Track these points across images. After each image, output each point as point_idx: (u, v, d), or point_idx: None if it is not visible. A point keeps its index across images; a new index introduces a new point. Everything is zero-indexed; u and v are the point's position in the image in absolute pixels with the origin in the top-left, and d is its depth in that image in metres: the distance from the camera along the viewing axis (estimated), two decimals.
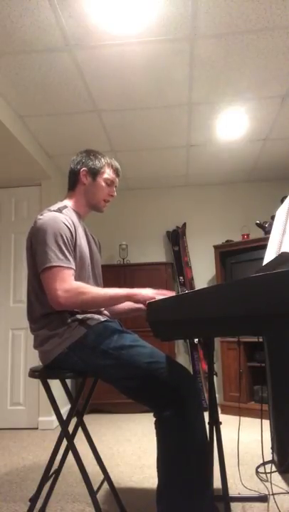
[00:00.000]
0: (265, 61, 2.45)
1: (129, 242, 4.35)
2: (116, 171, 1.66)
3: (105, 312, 1.61)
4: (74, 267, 1.45)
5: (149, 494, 1.89)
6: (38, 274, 1.44)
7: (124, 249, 4.26)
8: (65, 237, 1.43)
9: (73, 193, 1.65)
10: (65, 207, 1.56)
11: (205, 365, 3.91)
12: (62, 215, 1.49)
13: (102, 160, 1.64)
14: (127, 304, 1.64)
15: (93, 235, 1.73)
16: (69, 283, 1.39)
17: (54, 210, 1.50)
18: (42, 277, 1.42)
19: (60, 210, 1.51)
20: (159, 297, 1.38)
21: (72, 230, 1.49)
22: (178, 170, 4.08)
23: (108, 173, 1.64)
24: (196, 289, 1.21)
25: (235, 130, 3.27)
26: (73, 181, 1.65)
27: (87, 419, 3.40)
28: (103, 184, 1.62)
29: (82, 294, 1.38)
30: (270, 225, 3.38)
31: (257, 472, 2.10)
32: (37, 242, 1.44)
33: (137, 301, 1.42)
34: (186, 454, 1.23)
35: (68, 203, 1.62)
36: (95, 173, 1.62)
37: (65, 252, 1.42)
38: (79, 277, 1.49)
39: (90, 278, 1.58)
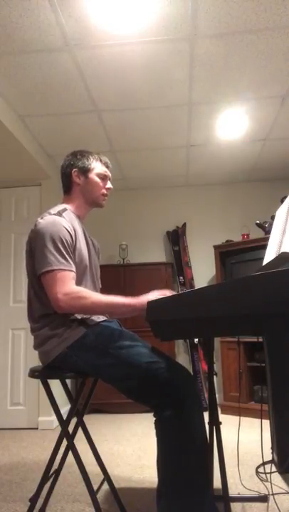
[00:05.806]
0: (265, 61, 2.45)
1: (129, 242, 4.35)
2: (105, 164, 1.69)
3: None
4: (74, 270, 1.45)
5: (149, 494, 1.89)
6: (38, 276, 1.44)
7: (124, 249, 4.26)
8: (64, 241, 1.44)
9: (69, 195, 1.66)
10: (65, 210, 1.56)
11: (205, 365, 3.91)
12: (62, 218, 1.49)
13: (90, 157, 1.66)
14: None
15: (92, 238, 1.73)
16: (69, 286, 1.39)
17: (54, 214, 1.50)
18: (43, 281, 1.42)
19: (60, 214, 1.51)
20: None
21: (72, 233, 1.49)
22: (178, 170, 4.08)
23: (99, 168, 1.66)
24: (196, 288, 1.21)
25: (235, 130, 3.27)
26: (67, 184, 1.66)
27: (87, 419, 3.40)
28: (97, 179, 1.64)
29: (82, 299, 1.37)
30: (270, 225, 3.38)
31: (257, 472, 2.10)
32: (37, 246, 1.44)
33: (140, 311, 1.36)
34: (186, 453, 1.23)
35: (67, 205, 1.63)
36: (85, 171, 1.63)
37: (65, 255, 1.42)
38: (77, 280, 1.49)
39: (88, 281, 1.58)
